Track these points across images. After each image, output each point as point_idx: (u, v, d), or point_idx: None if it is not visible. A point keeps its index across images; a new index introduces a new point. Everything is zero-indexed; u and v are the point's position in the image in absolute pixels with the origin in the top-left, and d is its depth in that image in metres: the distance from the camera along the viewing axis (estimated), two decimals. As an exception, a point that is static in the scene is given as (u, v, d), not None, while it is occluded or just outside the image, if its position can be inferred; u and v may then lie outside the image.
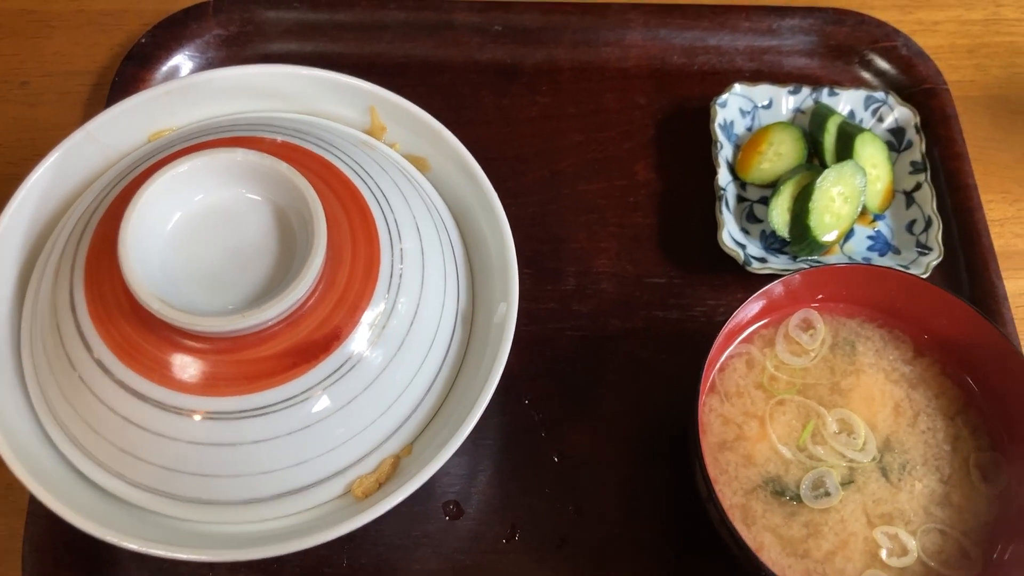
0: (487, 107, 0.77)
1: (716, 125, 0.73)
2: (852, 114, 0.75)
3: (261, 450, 0.46)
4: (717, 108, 0.74)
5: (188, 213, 0.46)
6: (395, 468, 0.53)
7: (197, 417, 0.45)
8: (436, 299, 0.51)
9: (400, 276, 0.48)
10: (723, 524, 0.53)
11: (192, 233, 0.46)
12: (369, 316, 0.47)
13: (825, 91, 0.75)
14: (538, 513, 0.63)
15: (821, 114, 0.73)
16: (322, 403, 0.46)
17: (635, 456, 0.65)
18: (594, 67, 0.80)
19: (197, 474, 0.46)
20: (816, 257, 0.70)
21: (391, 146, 0.61)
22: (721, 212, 0.69)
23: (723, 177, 0.71)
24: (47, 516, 0.60)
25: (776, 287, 0.59)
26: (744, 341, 0.62)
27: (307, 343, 0.44)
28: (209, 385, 0.44)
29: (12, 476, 0.64)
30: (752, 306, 0.58)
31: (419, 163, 0.60)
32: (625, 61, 0.80)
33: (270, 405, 0.45)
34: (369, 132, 0.61)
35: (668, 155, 0.76)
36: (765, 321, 0.62)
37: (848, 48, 0.80)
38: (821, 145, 0.72)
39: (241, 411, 0.45)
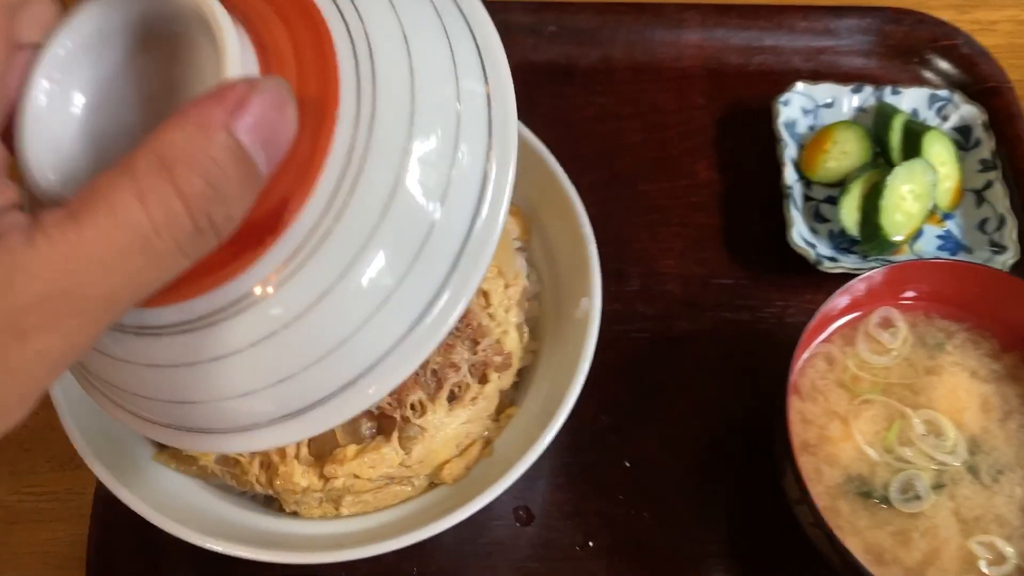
0: (543, 108, 0.76)
1: (780, 123, 0.72)
2: (916, 113, 0.74)
3: (227, 368, 0.34)
4: (780, 107, 0.73)
5: (90, 90, 0.34)
6: (486, 452, 0.51)
7: (133, 335, 0.35)
8: (442, 153, 0.34)
9: (371, 123, 0.33)
10: (818, 527, 0.51)
11: (98, 109, 0.34)
12: (330, 177, 0.32)
13: (888, 90, 0.74)
14: (611, 519, 0.61)
15: (885, 113, 0.72)
16: (285, 301, 0.33)
17: (708, 460, 0.63)
18: (650, 67, 0.79)
19: (173, 401, 0.36)
20: (886, 256, 0.68)
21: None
22: (789, 211, 0.68)
23: (789, 175, 0.70)
24: (111, 522, 0.58)
25: (858, 284, 0.57)
26: (823, 341, 0.60)
27: (247, 224, 0.32)
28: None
29: (74, 481, 0.63)
30: (838, 301, 0.57)
31: (490, 158, 0.59)
32: (681, 61, 0.79)
33: (218, 311, 0.33)
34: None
35: (728, 155, 0.75)
36: (844, 320, 0.61)
37: (907, 47, 0.79)
38: (887, 143, 0.71)
39: (184, 322, 0.33)
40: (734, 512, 0.61)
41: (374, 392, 0.34)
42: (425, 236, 0.33)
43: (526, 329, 0.56)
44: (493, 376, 0.52)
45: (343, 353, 0.34)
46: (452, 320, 0.34)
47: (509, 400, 0.56)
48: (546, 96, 0.77)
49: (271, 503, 0.54)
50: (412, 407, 0.50)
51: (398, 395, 0.49)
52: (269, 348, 0.33)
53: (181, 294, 0.33)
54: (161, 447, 0.53)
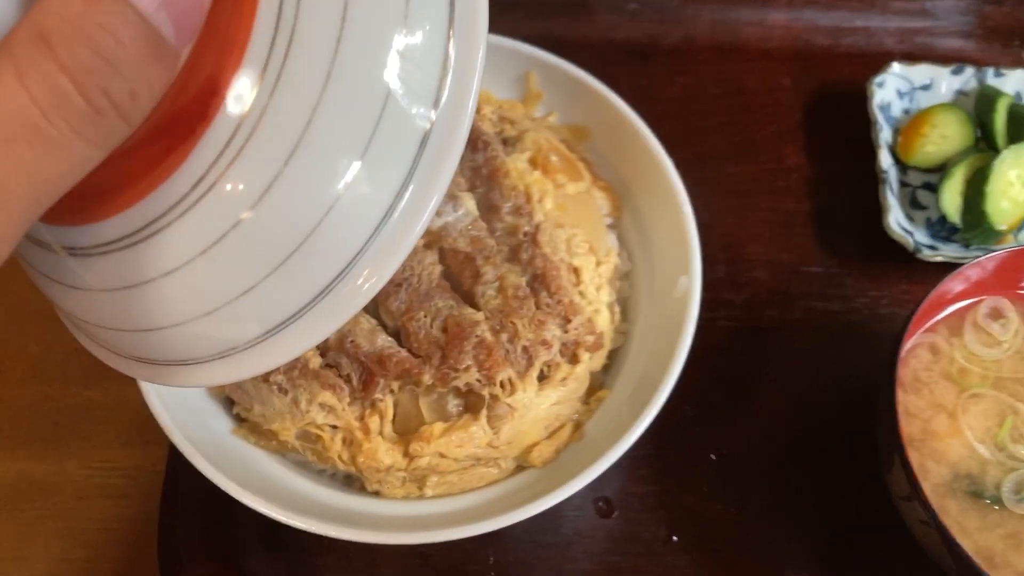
0: (624, 87, 0.72)
1: (875, 105, 0.68)
2: (1020, 96, 0.70)
3: (184, 282, 0.30)
4: (875, 88, 0.69)
5: None
6: (576, 435, 0.49)
7: (81, 258, 0.31)
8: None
9: None
10: (929, 526, 0.48)
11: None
12: (259, 47, 0.28)
13: (990, 72, 0.70)
14: (696, 514, 0.58)
15: (988, 96, 0.68)
16: (230, 196, 0.29)
17: (797, 454, 0.60)
18: (735, 47, 0.76)
19: (139, 329, 0.32)
20: (990, 246, 0.64)
21: (548, 116, 0.57)
22: (885, 196, 0.65)
23: (884, 160, 0.67)
24: (182, 501, 0.57)
25: (969, 270, 0.54)
26: (927, 330, 0.57)
27: (170, 115, 0.28)
28: (70, 212, 0.30)
29: (143, 458, 0.62)
30: (950, 286, 0.53)
31: (580, 132, 0.57)
32: (768, 42, 0.76)
33: (159, 217, 0.29)
34: (523, 101, 0.58)
35: (818, 138, 0.72)
36: (951, 309, 0.57)
37: (1007, 29, 0.75)
38: (990, 127, 0.67)
39: (126, 236, 0.30)
40: (826, 509, 0.58)
41: (367, 285, 0.30)
42: (378, 113, 0.29)
43: (617, 309, 0.53)
44: (584, 356, 0.50)
45: (314, 247, 0.29)
46: (425, 216, 0.30)
47: (599, 383, 0.53)
48: (626, 75, 0.74)
49: (351, 482, 0.52)
50: (501, 385, 0.48)
51: (488, 372, 0.47)
52: (225, 252, 0.29)
53: (117, 205, 0.29)
54: (240, 420, 0.51)
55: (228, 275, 0.30)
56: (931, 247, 0.64)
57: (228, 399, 0.52)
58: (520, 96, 0.58)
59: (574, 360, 0.50)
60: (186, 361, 0.33)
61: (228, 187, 0.29)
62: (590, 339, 0.50)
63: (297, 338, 0.31)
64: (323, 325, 0.31)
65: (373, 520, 0.48)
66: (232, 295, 0.30)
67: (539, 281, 0.49)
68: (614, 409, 0.50)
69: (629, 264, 0.56)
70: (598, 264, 0.52)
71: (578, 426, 0.50)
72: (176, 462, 0.57)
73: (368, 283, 0.30)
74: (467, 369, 0.47)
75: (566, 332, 0.49)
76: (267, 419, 0.49)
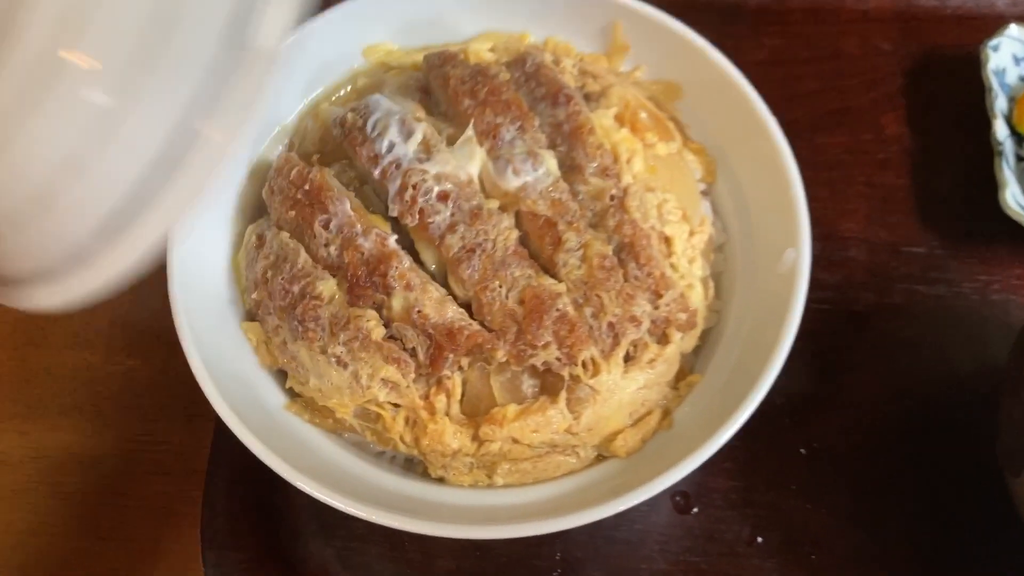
0: (707, 49, 0.68)
1: (989, 71, 0.62)
2: None
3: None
4: (989, 52, 0.63)
5: None
6: (665, 423, 0.44)
7: None
8: None
9: None
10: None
11: None
12: None
13: (1120, 35, 0.63)
14: (783, 513, 0.53)
15: (1118, 62, 0.61)
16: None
17: (898, 451, 0.54)
18: (829, 9, 0.69)
19: None
20: (1117, 228, 0.58)
21: (634, 70, 0.52)
22: (1001, 170, 0.58)
23: (1000, 130, 0.60)
24: (227, 480, 0.53)
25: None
26: (1053, 319, 0.51)
27: None
28: None
29: (188, 434, 0.58)
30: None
31: (671, 89, 0.51)
32: (865, 3, 0.69)
33: None
34: (608, 54, 0.52)
35: (921, 107, 0.65)
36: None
37: None
38: (1119, 97, 0.60)
39: None
40: (931, 513, 0.52)
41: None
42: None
43: (711, 284, 0.48)
44: (675, 336, 0.45)
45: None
46: None
47: (689, 366, 0.48)
48: (712, 36, 0.67)
49: (413, 467, 0.47)
50: (583, 365, 0.43)
51: (569, 350, 0.42)
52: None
53: None
54: (293, 396, 0.47)
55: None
56: (1052, 227, 0.57)
57: (282, 372, 0.48)
58: (604, 49, 0.53)
59: (664, 340, 0.45)
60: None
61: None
62: (682, 317, 0.45)
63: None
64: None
65: (436, 510, 0.43)
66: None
67: (627, 251, 0.44)
68: (707, 397, 0.45)
69: (724, 235, 0.50)
70: (691, 234, 0.47)
71: (666, 413, 0.45)
72: (222, 438, 0.53)
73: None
74: (546, 346, 0.42)
75: (656, 308, 0.44)
76: (324, 394, 0.44)
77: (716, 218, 0.50)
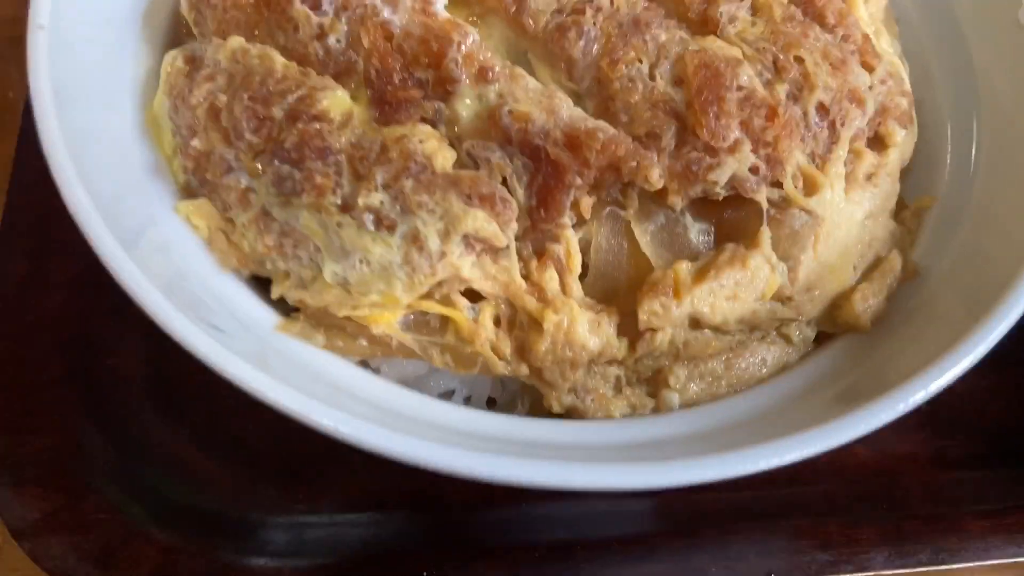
0: None
1: None
2: None
3: None
4: None
5: None
6: (909, 271, 0.27)
7: None
8: None
9: None
10: None
11: None
12: None
13: None
14: None
15: None
16: None
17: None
18: None
19: None
20: None
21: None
22: None
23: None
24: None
25: None
26: None
27: None
28: None
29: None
30: None
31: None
32: None
33: None
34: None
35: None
36: None
37: None
38: None
39: None
40: None
41: None
42: None
43: (907, 67, 0.31)
44: (896, 132, 0.28)
45: None
46: None
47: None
48: None
49: (500, 406, 0.28)
50: (792, 177, 0.25)
51: (772, 150, 0.25)
52: None
53: None
54: (292, 309, 0.27)
55: None
56: None
57: (257, 278, 0.28)
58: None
59: (880, 145, 0.28)
60: None
61: None
62: (903, 103, 0.28)
63: None
64: None
65: (593, 455, 0.25)
66: None
67: (806, 5, 0.27)
68: (947, 236, 0.29)
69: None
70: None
71: (903, 256, 0.28)
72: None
73: None
74: (734, 147, 0.24)
75: (870, 87, 0.27)
76: (351, 293, 0.25)
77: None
